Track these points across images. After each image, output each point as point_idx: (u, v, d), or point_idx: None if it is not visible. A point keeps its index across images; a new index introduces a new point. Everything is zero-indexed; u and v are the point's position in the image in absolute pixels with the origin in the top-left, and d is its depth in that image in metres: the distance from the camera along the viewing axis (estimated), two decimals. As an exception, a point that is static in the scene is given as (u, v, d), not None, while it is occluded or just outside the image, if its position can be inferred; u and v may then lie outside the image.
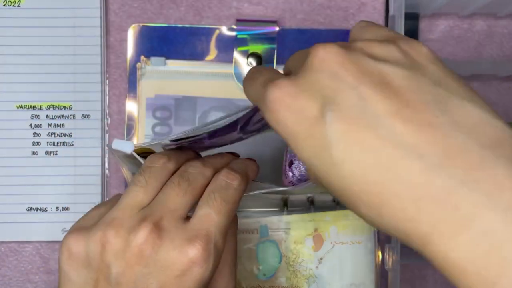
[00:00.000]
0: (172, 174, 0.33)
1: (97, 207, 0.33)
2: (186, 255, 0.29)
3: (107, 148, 0.46)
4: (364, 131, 0.22)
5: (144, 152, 0.35)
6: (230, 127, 0.34)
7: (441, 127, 0.22)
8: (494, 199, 0.20)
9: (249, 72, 0.30)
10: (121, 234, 0.29)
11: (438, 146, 0.21)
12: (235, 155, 0.38)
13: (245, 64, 0.46)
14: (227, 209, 0.31)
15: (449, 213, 0.21)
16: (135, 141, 0.47)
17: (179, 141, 0.35)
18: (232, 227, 0.34)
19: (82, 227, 0.31)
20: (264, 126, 0.35)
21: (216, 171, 0.33)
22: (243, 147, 0.39)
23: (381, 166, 0.22)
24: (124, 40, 0.47)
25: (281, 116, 0.24)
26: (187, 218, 0.31)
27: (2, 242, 0.47)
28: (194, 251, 0.29)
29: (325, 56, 0.24)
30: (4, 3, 0.47)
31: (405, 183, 0.22)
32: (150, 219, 0.30)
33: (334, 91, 0.23)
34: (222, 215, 0.31)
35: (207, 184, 0.32)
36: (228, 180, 0.33)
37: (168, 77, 0.46)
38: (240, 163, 0.36)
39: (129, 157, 0.35)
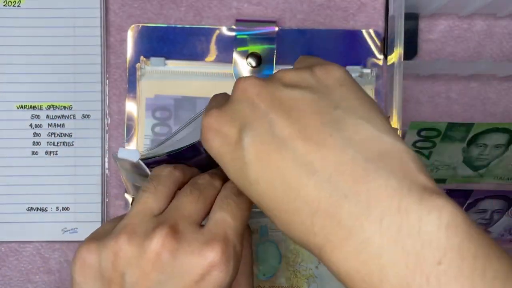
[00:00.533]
0: (180, 184, 0.33)
1: (111, 220, 0.32)
2: (205, 259, 0.28)
3: (111, 156, 0.46)
4: (273, 153, 0.25)
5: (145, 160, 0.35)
6: (191, 151, 0.33)
7: (334, 145, 0.24)
8: (371, 210, 0.22)
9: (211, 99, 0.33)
10: (134, 240, 0.28)
11: (330, 162, 0.24)
12: None
13: (245, 65, 0.46)
14: (241, 214, 0.31)
15: (336, 225, 0.23)
16: (134, 141, 0.47)
17: (149, 160, 0.34)
18: (247, 238, 0.34)
19: (95, 237, 0.30)
20: None
21: (224, 182, 0.34)
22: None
23: (286, 185, 0.24)
24: (124, 40, 0.47)
25: (211, 140, 0.27)
26: (201, 226, 0.30)
27: (2, 242, 0.47)
28: (213, 254, 0.28)
29: (246, 87, 0.27)
30: (4, 3, 0.47)
31: (303, 199, 0.24)
32: (165, 224, 0.29)
33: (250, 118, 0.26)
34: (238, 220, 0.30)
35: (217, 195, 0.32)
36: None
37: (167, 77, 0.46)
38: None
39: (132, 165, 0.35)
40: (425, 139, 0.43)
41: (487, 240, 0.22)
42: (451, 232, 0.21)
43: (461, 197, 0.47)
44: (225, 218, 0.30)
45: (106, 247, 0.28)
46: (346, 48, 0.48)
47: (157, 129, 0.47)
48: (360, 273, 0.22)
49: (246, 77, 0.27)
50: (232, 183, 0.32)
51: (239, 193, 0.31)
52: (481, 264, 0.21)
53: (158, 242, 0.28)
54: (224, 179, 0.33)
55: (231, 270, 0.29)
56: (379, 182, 0.23)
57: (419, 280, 0.21)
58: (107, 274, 0.28)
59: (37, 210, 0.47)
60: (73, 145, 0.47)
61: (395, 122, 0.43)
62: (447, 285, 0.21)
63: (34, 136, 0.47)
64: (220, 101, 0.30)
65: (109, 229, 0.31)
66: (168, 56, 0.47)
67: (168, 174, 0.33)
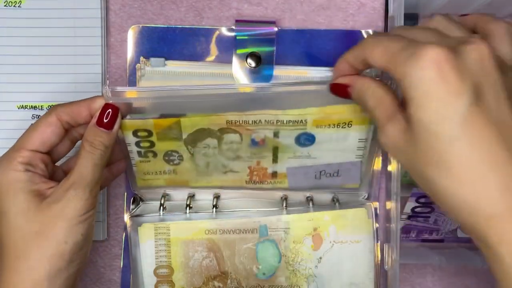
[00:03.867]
0: None
1: None
2: None
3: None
4: (488, 123, 0.28)
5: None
6: None
7: None
8: None
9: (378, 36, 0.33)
10: None
11: None
12: None
13: (245, 65, 0.46)
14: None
15: None
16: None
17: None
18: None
19: None
20: None
21: None
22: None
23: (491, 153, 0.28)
24: (125, 40, 0.48)
25: (427, 75, 0.27)
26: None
27: (4, 241, 0.47)
28: None
29: (482, 51, 0.28)
30: (5, 4, 0.47)
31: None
32: None
33: (482, 83, 0.28)
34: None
35: None
36: None
37: (167, 77, 0.46)
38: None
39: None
40: (424, 139, 0.43)
41: None
42: None
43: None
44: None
45: None
46: (346, 48, 0.47)
47: (157, 129, 0.47)
48: None
49: (477, 39, 0.29)
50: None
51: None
52: None
53: None
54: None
55: None
56: None
57: None
58: None
59: (38, 210, 0.47)
60: (73, 145, 0.47)
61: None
62: None
63: (35, 136, 0.47)
64: (444, 40, 0.31)
65: None
66: (168, 57, 0.47)
67: None
